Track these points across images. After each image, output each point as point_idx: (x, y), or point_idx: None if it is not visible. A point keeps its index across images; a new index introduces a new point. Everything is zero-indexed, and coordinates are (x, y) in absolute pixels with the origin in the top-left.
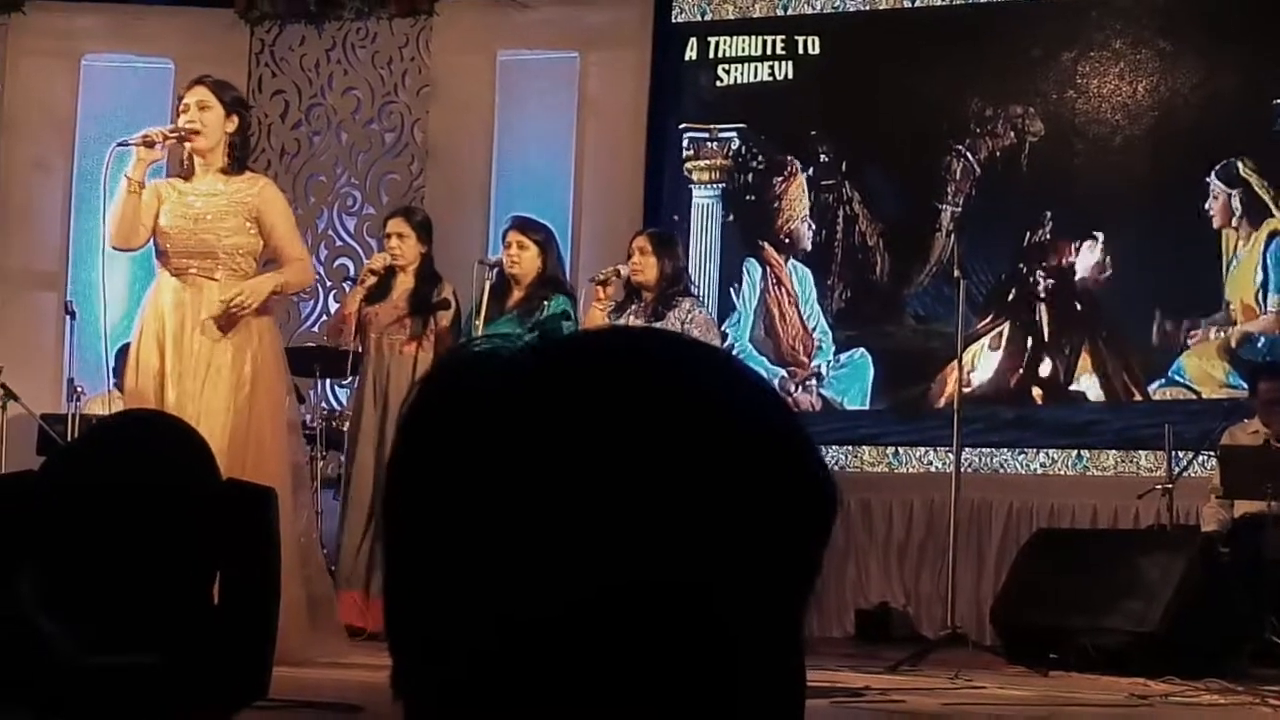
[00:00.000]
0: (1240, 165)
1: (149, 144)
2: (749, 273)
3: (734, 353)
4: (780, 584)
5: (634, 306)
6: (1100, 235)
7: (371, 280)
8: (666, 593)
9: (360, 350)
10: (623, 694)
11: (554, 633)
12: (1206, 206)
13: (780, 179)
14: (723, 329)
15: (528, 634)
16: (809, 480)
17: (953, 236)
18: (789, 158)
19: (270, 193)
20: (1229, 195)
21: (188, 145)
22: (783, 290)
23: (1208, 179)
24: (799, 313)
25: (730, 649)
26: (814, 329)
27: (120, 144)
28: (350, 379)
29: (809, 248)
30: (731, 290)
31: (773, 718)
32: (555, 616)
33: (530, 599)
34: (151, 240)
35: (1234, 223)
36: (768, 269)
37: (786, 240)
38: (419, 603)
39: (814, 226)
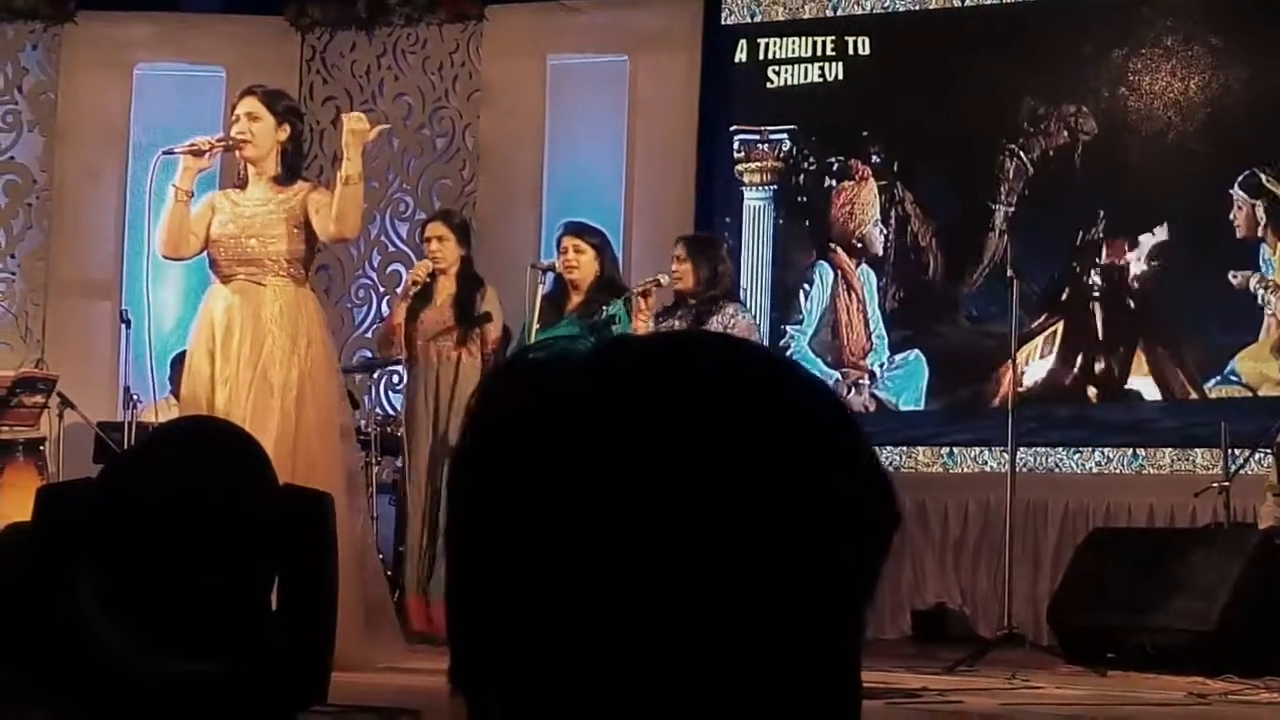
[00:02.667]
0: (1263, 176)
1: (196, 153)
2: (820, 277)
3: (792, 358)
4: (834, 591)
5: (680, 311)
6: (1154, 233)
7: (415, 290)
8: (718, 592)
9: (409, 359)
10: (668, 688)
11: (608, 623)
12: (1230, 217)
13: (851, 182)
14: (785, 329)
15: (584, 623)
16: (866, 489)
17: (1006, 236)
18: (857, 162)
19: (316, 192)
20: (1252, 205)
21: (239, 155)
22: (853, 294)
23: (1231, 190)
24: (865, 317)
25: (778, 653)
26: (873, 332)
27: (166, 152)
28: (400, 382)
29: (880, 252)
30: (801, 293)
31: None
32: (609, 608)
33: (587, 591)
34: (205, 250)
35: (1260, 232)
36: (839, 273)
37: (859, 244)
38: (482, 593)
39: (884, 230)
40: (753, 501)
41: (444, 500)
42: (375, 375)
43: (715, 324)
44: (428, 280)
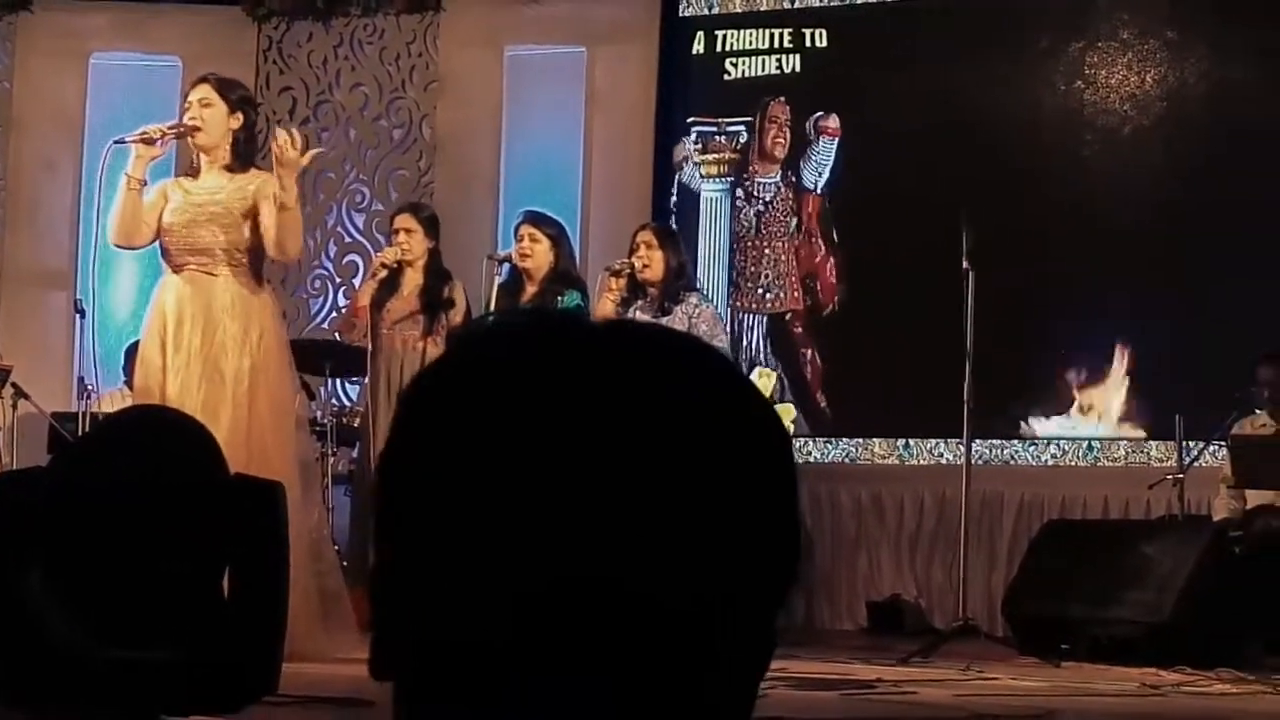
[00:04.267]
0: None
1: (147, 141)
2: None
3: (732, 360)
4: (751, 590)
5: (640, 302)
6: (1112, 224)
7: (383, 274)
8: (623, 583)
9: (372, 346)
10: (589, 669)
11: (529, 614)
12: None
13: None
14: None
15: (505, 611)
16: (784, 495)
17: (963, 227)
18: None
19: (268, 186)
20: None
21: (191, 142)
22: None
23: None
24: None
25: (688, 645)
26: None
27: (117, 142)
28: (361, 377)
29: None
30: None
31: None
32: (528, 599)
33: (505, 578)
34: (158, 239)
35: None
36: None
37: None
38: (404, 574)
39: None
40: (671, 496)
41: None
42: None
43: (680, 313)
44: (394, 267)
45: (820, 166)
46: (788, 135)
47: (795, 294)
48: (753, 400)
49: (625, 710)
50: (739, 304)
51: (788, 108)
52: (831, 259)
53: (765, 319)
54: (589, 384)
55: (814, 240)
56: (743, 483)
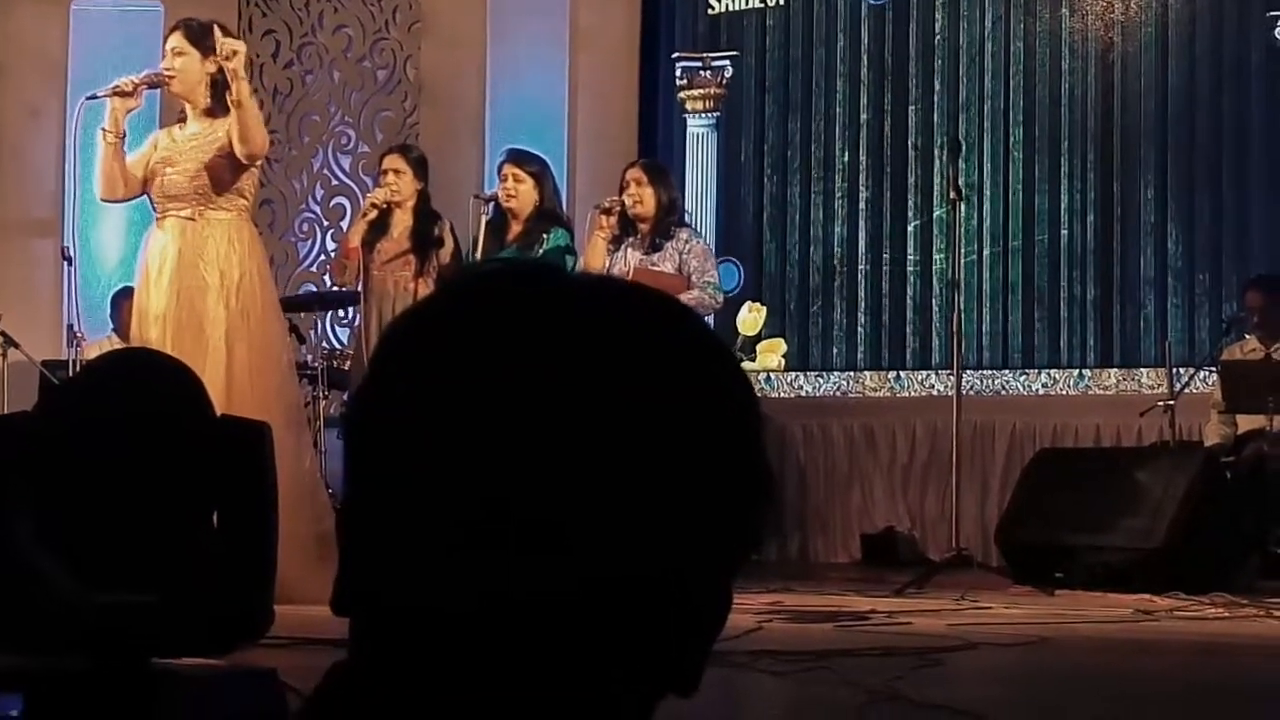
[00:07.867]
0: None
1: (121, 94)
2: None
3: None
4: (712, 547)
5: (631, 239)
6: (1098, 152)
7: (374, 214)
8: (567, 542)
9: (364, 288)
10: (537, 627)
11: (483, 555)
12: None
13: None
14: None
15: (465, 557)
16: (746, 460)
17: (951, 158)
18: None
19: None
20: None
21: (169, 92)
22: None
23: None
24: None
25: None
26: None
27: (90, 97)
28: (350, 316)
29: None
30: None
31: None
32: (486, 542)
33: (445, 530)
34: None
35: None
36: None
37: None
38: (362, 513)
39: None
40: (616, 458)
41: None
42: (322, 311)
43: (670, 249)
44: (384, 208)
45: None
46: None
47: None
48: (721, 365)
49: (569, 664)
50: None
51: None
52: None
53: None
54: (553, 340)
55: None
56: (698, 450)
